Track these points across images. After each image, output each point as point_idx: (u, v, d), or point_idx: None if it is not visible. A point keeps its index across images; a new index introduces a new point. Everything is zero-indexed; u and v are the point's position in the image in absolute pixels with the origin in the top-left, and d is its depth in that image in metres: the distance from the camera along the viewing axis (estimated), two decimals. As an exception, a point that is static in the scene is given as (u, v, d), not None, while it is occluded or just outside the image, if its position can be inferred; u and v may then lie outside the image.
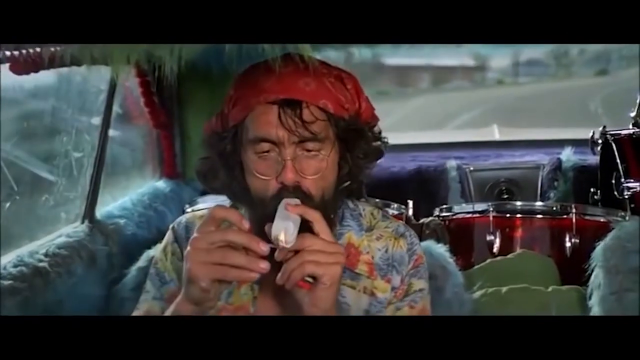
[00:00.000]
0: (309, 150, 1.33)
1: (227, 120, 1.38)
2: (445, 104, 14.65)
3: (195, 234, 1.25)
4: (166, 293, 1.45)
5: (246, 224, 1.23)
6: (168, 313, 1.32)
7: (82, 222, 2.27)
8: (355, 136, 1.38)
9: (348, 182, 1.41)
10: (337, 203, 1.38)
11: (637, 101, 3.15)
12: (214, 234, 1.23)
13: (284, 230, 1.22)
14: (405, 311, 1.43)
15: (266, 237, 1.25)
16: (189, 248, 1.24)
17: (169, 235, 1.51)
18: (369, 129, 1.42)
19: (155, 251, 1.56)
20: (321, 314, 1.26)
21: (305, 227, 1.25)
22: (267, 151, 1.33)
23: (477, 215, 2.56)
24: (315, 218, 1.26)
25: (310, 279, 1.25)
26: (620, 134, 2.83)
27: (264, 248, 1.21)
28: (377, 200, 2.48)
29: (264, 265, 1.21)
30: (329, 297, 1.25)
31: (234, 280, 1.25)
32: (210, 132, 1.42)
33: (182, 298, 1.28)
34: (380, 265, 1.44)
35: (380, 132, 1.45)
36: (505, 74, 17.84)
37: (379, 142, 1.44)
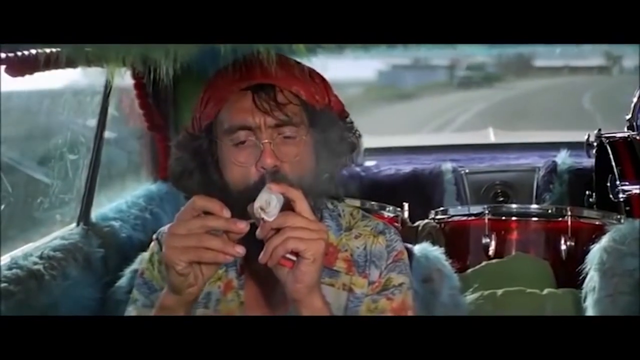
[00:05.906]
0: (285, 136, 1.35)
1: (199, 122, 1.41)
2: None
3: (174, 222, 1.26)
4: (156, 300, 1.45)
5: (227, 213, 1.24)
6: (155, 309, 1.33)
7: (77, 225, 2.27)
8: (329, 123, 1.40)
9: (326, 175, 1.42)
10: (317, 197, 1.38)
11: (632, 104, 3.16)
12: (193, 221, 1.24)
13: (265, 201, 1.24)
14: (383, 303, 1.43)
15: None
16: (166, 234, 1.26)
17: (153, 246, 1.51)
18: (341, 119, 1.44)
19: (140, 263, 1.55)
20: (306, 291, 1.26)
21: (287, 207, 1.26)
22: (244, 140, 1.35)
23: (473, 217, 2.57)
24: (297, 196, 1.27)
25: (292, 257, 1.25)
26: (615, 136, 2.84)
27: (242, 225, 1.23)
28: (373, 202, 2.49)
29: (240, 249, 1.23)
30: (312, 272, 1.26)
31: (209, 262, 1.26)
32: (183, 136, 1.44)
33: (165, 289, 1.31)
34: (358, 262, 1.45)
35: (352, 123, 1.46)
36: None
37: (351, 133, 1.45)
